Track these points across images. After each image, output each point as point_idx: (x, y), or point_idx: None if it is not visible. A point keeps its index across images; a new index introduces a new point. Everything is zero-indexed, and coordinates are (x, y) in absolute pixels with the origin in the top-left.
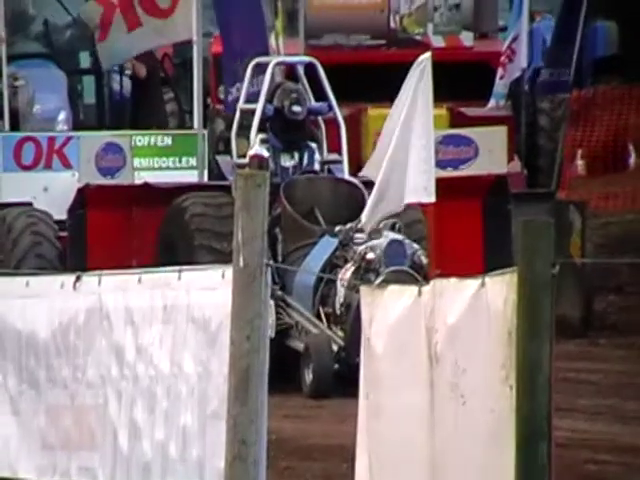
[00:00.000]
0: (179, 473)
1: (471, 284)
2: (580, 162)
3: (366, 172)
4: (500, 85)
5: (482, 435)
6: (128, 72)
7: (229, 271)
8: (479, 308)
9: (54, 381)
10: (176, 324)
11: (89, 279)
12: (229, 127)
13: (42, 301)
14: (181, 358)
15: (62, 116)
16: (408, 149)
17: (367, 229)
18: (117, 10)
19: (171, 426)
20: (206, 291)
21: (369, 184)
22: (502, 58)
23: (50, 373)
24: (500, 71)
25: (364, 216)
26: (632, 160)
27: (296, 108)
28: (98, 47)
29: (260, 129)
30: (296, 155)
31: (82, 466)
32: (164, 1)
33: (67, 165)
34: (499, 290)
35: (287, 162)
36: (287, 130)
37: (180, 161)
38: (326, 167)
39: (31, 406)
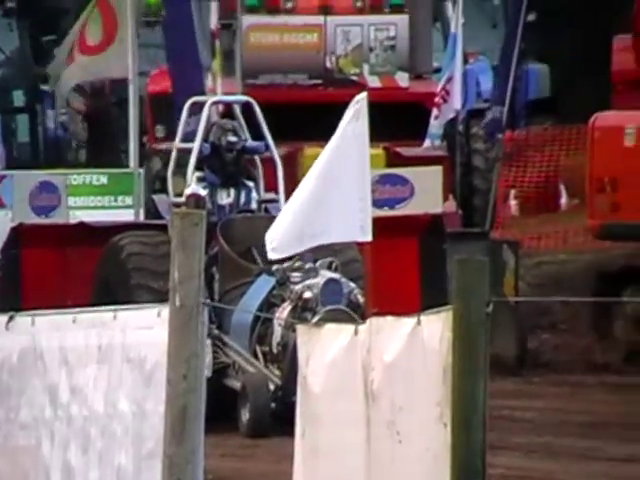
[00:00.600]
0: None
1: (407, 322)
2: (513, 202)
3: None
4: (435, 125)
5: (418, 473)
6: (62, 110)
7: (165, 310)
8: (415, 346)
9: None
10: (111, 364)
11: (23, 319)
12: (165, 166)
13: None
14: (116, 398)
15: None
16: (343, 188)
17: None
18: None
19: (106, 466)
20: (142, 330)
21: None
22: (437, 99)
23: None
24: (435, 111)
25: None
26: (564, 201)
27: (232, 138)
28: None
29: (197, 168)
30: (233, 193)
31: None
32: (94, 39)
33: (0, 204)
34: (435, 328)
35: (224, 200)
36: (224, 167)
37: (116, 200)
38: (263, 206)
39: None
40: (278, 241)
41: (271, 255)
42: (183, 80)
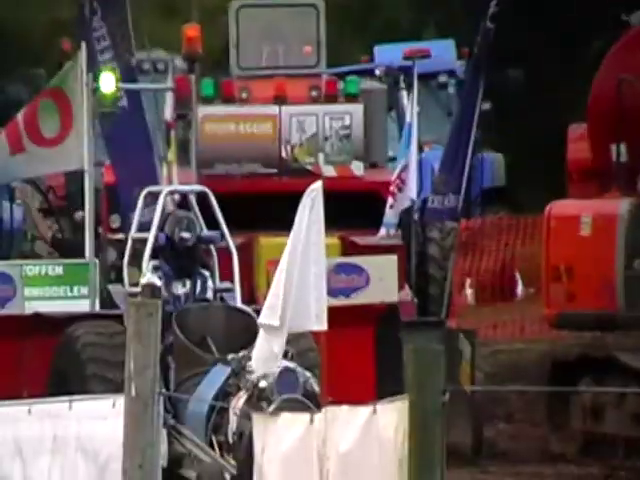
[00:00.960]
0: None
1: (363, 412)
2: (469, 291)
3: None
4: (390, 214)
5: None
6: (18, 201)
7: (120, 400)
8: (371, 436)
9: None
10: (65, 455)
11: None
12: (121, 256)
13: None
14: None
15: None
16: (299, 277)
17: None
18: (2, 133)
19: None
20: (96, 421)
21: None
22: (392, 187)
23: None
24: (390, 200)
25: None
26: (519, 289)
27: (185, 234)
28: None
29: (152, 257)
30: (188, 283)
31: None
32: (50, 131)
33: None
34: (390, 418)
35: (179, 290)
36: (179, 257)
37: (72, 290)
38: (218, 295)
39: None
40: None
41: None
42: (136, 170)
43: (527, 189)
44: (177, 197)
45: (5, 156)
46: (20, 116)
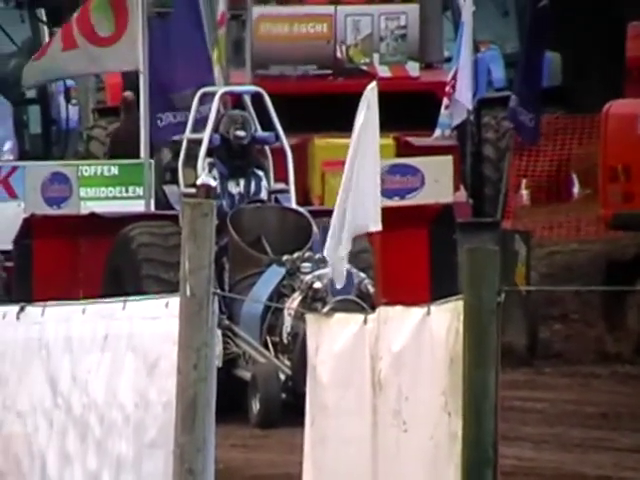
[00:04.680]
0: None
1: (416, 312)
2: (525, 192)
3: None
4: (445, 115)
5: (422, 461)
6: (74, 101)
7: (173, 301)
8: (423, 336)
9: None
10: (115, 353)
11: (33, 310)
12: (176, 156)
13: None
14: (118, 387)
15: (7, 146)
16: (355, 178)
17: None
18: (58, 32)
19: (104, 455)
20: (148, 320)
21: (316, 213)
22: (447, 88)
23: None
24: (445, 101)
25: (326, 249)
26: (576, 190)
27: (240, 133)
28: (27, 66)
29: (207, 158)
30: (242, 183)
31: None
32: (104, 30)
33: (13, 195)
34: (443, 318)
35: (233, 189)
36: (233, 157)
37: (127, 191)
38: (273, 196)
39: None
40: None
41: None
42: (192, 71)
43: (585, 88)
44: (231, 98)
45: (57, 52)
46: (75, 14)
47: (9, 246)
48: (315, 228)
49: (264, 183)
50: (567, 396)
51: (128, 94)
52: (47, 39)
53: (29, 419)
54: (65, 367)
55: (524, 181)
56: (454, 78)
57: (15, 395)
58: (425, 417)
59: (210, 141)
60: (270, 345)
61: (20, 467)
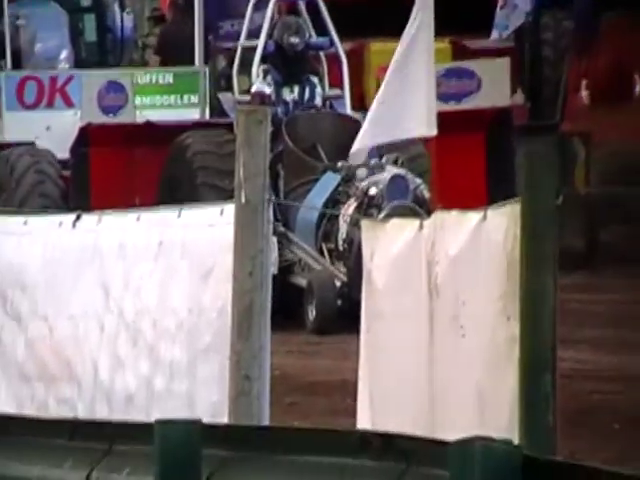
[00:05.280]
0: (166, 406)
1: (472, 217)
2: (585, 93)
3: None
4: (501, 15)
5: (481, 366)
6: (129, 9)
7: (228, 208)
8: (480, 240)
9: (36, 313)
10: (169, 259)
11: (89, 218)
12: (230, 64)
13: (38, 238)
14: (171, 293)
15: (64, 54)
16: (408, 82)
17: (355, 157)
18: None
19: (157, 359)
20: (203, 227)
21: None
22: None
23: (33, 305)
24: (500, 1)
25: (355, 142)
26: (637, 90)
27: (294, 39)
28: None
29: (261, 64)
30: (297, 89)
31: (59, 397)
32: None
33: (69, 104)
34: (500, 222)
35: (288, 96)
36: (287, 64)
37: (182, 99)
38: (328, 102)
39: (11, 337)
40: (356, 143)
41: (350, 160)
42: None
43: None
44: (285, 4)
45: None
46: None
47: (66, 155)
48: None
49: (319, 90)
50: (628, 298)
51: None
52: None
53: (81, 323)
54: (118, 273)
55: (584, 82)
56: None
57: (68, 300)
58: (483, 321)
59: (264, 48)
60: (325, 252)
61: (72, 371)
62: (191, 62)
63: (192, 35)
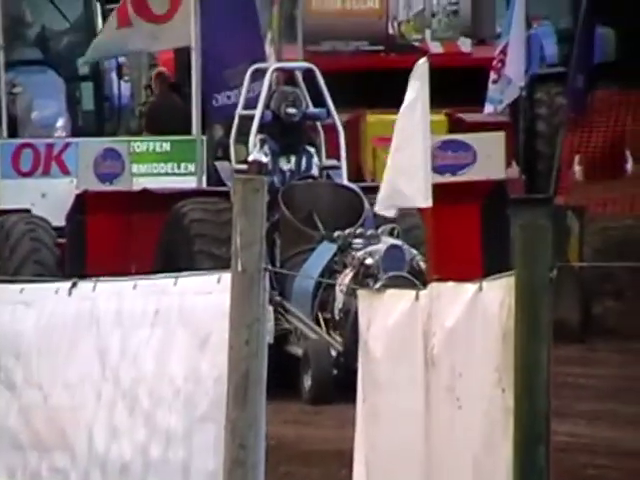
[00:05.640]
0: (161, 474)
1: (468, 288)
2: (578, 167)
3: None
4: (493, 89)
5: (477, 438)
6: (126, 78)
7: (225, 276)
8: (476, 312)
9: (30, 381)
10: (166, 326)
11: (85, 285)
12: (228, 133)
13: (33, 306)
14: (168, 360)
15: (60, 122)
16: (406, 154)
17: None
18: (114, 11)
19: (153, 428)
20: (200, 295)
21: (368, 189)
22: (495, 62)
23: (27, 373)
24: (493, 75)
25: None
26: (629, 166)
27: (291, 110)
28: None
29: (258, 134)
30: (293, 159)
31: (52, 467)
32: (159, 7)
33: (65, 171)
34: (496, 294)
35: (285, 166)
36: (284, 134)
37: (179, 167)
38: (325, 173)
39: (4, 406)
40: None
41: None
42: (244, 47)
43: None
44: (283, 74)
45: (112, 29)
46: None
47: (62, 222)
48: (367, 204)
49: (315, 160)
50: (620, 372)
51: (161, 69)
52: (100, 17)
53: (77, 392)
54: (115, 341)
55: (577, 157)
56: (503, 53)
57: (63, 368)
58: (479, 393)
59: (262, 117)
60: (322, 321)
61: (67, 440)
62: (183, 133)
63: (180, 107)
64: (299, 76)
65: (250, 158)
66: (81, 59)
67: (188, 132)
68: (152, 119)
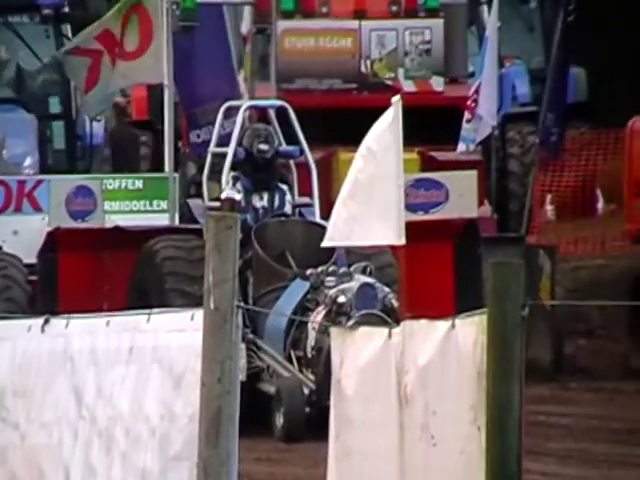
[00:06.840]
0: None
1: (441, 326)
2: (550, 207)
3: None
4: (467, 128)
5: (452, 476)
6: (98, 117)
7: (198, 314)
8: (449, 350)
9: (6, 421)
10: (140, 365)
11: (57, 322)
12: (200, 170)
13: (6, 343)
14: (143, 399)
15: (28, 161)
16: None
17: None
18: (104, 52)
19: (129, 467)
20: (174, 333)
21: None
22: (469, 102)
23: (4, 412)
24: (467, 115)
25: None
26: (600, 205)
27: (263, 147)
28: (84, 99)
29: (232, 171)
30: (266, 196)
31: None
32: (131, 44)
33: (37, 208)
34: (469, 332)
35: (258, 203)
36: (257, 171)
37: (151, 204)
38: (297, 210)
39: None
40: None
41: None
42: (217, 85)
43: (610, 104)
44: (256, 112)
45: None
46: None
47: (33, 259)
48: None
49: (288, 197)
50: (592, 411)
51: (120, 99)
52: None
53: (54, 430)
54: (90, 379)
55: (549, 196)
56: (476, 92)
57: (39, 406)
58: (454, 432)
59: (234, 155)
60: (294, 359)
61: (44, 479)
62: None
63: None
64: (272, 114)
65: (223, 195)
66: (89, 116)
67: (139, 159)
68: (114, 149)
